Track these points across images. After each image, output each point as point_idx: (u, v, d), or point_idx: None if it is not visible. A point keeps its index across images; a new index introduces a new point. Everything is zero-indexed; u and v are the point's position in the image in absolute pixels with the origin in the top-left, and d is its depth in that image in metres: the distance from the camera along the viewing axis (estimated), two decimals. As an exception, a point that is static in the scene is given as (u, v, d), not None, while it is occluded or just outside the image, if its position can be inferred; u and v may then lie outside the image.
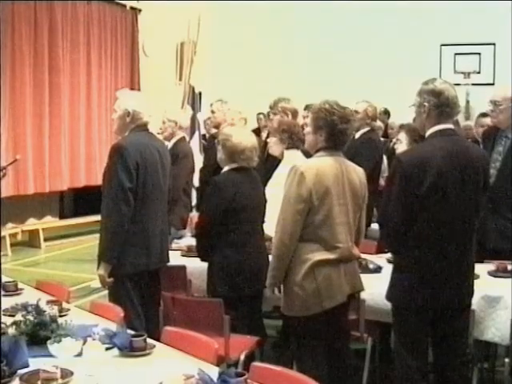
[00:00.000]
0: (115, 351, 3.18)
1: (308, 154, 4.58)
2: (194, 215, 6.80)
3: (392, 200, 3.57)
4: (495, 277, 4.48)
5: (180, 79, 12.60)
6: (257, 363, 3.08)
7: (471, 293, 3.75)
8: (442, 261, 3.55)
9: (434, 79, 3.66)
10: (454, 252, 3.57)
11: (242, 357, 4.08)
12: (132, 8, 12.54)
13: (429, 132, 3.63)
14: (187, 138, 7.37)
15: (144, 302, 4.45)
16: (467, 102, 12.34)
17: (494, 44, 12.54)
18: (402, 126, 5.29)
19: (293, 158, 5.26)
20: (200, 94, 11.34)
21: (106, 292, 4.56)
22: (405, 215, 3.52)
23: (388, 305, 3.76)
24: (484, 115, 6.97)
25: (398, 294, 3.66)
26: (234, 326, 4.22)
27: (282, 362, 3.31)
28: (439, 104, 3.57)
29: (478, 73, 12.81)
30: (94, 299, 6.19)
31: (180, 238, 5.71)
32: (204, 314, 4.19)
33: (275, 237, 3.85)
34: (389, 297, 3.72)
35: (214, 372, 2.75)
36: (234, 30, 13.71)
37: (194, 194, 8.13)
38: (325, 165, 3.84)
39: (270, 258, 4.05)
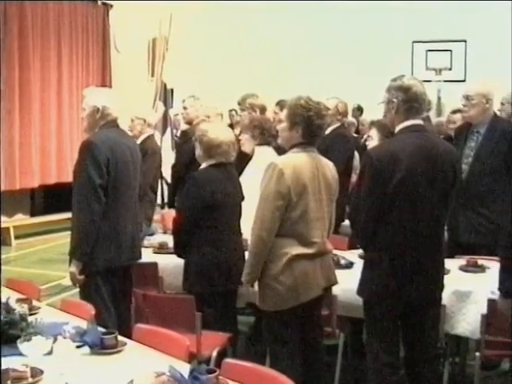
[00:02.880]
0: (86, 349, 3.16)
1: (279, 150, 4.58)
2: (166, 212, 6.79)
3: (362, 196, 3.58)
4: (466, 272, 4.52)
5: (152, 75, 12.54)
6: (228, 360, 3.06)
7: (441, 288, 3.77)
8: (412, 256, 3.57)
9: (402, 76, 3.69)
10: (423, 247, 3.59)
11: (214, 353, 4.07)
12: (103, 3, 12.45)
13: (398, 128, 3.66)
14: (157, 135, 7.35)
15: (115, 300, 4.43)
16: (439, 98, 12.43)
17: (465, 41, 12.62)
18: (372, 123, 5.31)
19: (264, 155, 5.27)
20: (172, 90, 11.30)
21: (77, 290, 4.52)
22: (375, 211, 3.54)
23: (360, 300, 3.78)
24: (455, 112, 7.05)
25: (369, 290, 3.67)
26: (208, 323, 4.21)
27: (254, 358, 3.30)
28: (407, 100, 3.60)
29: (450, 69, 12.89)
30: (66, 297, 6.13)
31: (152, 234, 5.68)
32: (176, 310, 4.17)
33: (253, 233, 3.84)
34: (360, 292, 3.74)
35: (185, 369, 2.73)
36: (207, 26, 13.67)
37: (165, 190, 8.13)
38: (301, 161, 3.85)
39: (247, 254, 4.05)
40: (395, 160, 3.49)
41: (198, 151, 4.52)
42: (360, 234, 3.74)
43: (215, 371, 2.71)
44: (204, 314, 4.13)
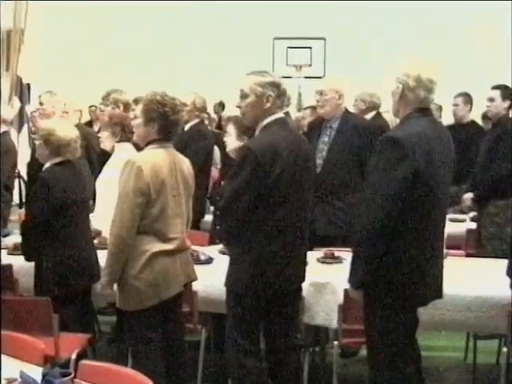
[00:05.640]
0: None
1: (138, 147, 4.53)
2: (23, 212, 6.55)
3: (239, 188, 3.59)
4: (323, 263, 4.64)
5: (7, 70, 12.03)
6: (85, 361, 3.01)
7: (303, 279, 3.88)
8: (281, 247, 3.64)
9: (264, 71, 3.77)
10: (292, 239, 3.68)
11: (74, 356, 3.96)
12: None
13: (266, 121, 3.71)
14: (14, 132, 7.09)
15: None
16: (299, 94, 12.68)
17: (324, 39, 12.94)
18: (229, 118, 5.34)
19: (123, 151, 5.20)
20: (29, 85, 10.88)
21: None
22: (252, 202, 3.56)
23: (221, 295, 3.81)
24: (305, 108, 7.29)
25: (237, 281, 3.69)
26: (67, 324, 4.11)
27: (116, 359, 3.25)
28: (280, 95, 3.71)
29: (310, 66, 13.17)
30: None
31: (6, 235, 5.46)
32: (32, 313, 4.03)
33: (112, 232, 3.78)
34: (227, 283, 3.74)
35: (39, 374, 2.64)
36: (65, 19, 13.29)
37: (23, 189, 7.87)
38: (159, 157, 3.83)
39: (106, 253, 3.96)
40: (275, 153, 3.56)
41: (43, 150, 4.37)
42: (234, 224, 3.69)
43: (69, 374, 2.64)
44: (61, 316, 4.02)
